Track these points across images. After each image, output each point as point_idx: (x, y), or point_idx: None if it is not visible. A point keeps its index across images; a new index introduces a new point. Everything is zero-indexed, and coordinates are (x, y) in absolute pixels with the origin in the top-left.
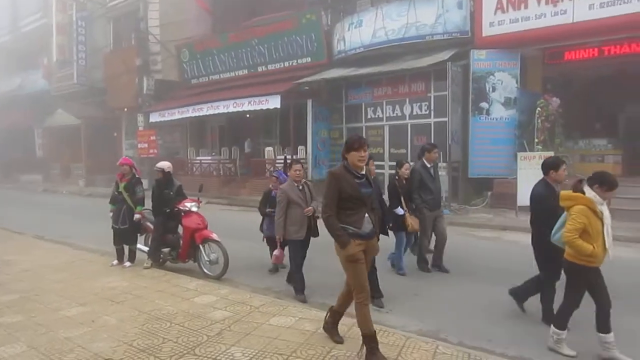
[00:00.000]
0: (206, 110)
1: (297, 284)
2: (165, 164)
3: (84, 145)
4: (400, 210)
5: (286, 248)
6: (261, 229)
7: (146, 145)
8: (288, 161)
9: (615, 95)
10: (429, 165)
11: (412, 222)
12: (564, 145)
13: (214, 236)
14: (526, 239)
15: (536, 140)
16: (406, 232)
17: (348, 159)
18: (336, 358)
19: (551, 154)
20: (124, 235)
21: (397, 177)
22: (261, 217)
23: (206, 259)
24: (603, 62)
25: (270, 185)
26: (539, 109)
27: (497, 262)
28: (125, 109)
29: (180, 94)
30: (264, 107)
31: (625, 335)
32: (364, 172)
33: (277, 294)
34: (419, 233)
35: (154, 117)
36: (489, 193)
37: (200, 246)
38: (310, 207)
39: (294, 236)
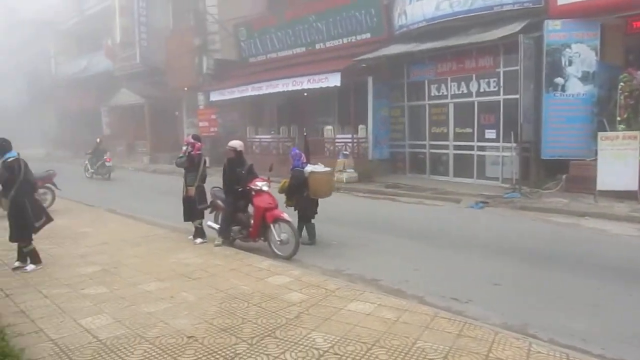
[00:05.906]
0: (265, 89)
1: None
2: (237, 143)
3: (148, 124)
4: None
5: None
6: None
7: (207, 123)
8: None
9: None
10: None
11: None
12: None
13: (285, 216)
14: (611, 226)
15: (618, 118)
16: None
17: None
18: (422, 350)
19: (636, 133)
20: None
21: None
22: None
23: (277, 238)
24: None
25: None
26: (621, 83)
27: (576, 248)
28: (186, 88)
29: (239, 72)
30: (324, 85)
31: None
32: None
33: (349, 277)
34: None
35: (215, 96)
36: (564, 176)
37: (271, 226)
38: None
39: None
